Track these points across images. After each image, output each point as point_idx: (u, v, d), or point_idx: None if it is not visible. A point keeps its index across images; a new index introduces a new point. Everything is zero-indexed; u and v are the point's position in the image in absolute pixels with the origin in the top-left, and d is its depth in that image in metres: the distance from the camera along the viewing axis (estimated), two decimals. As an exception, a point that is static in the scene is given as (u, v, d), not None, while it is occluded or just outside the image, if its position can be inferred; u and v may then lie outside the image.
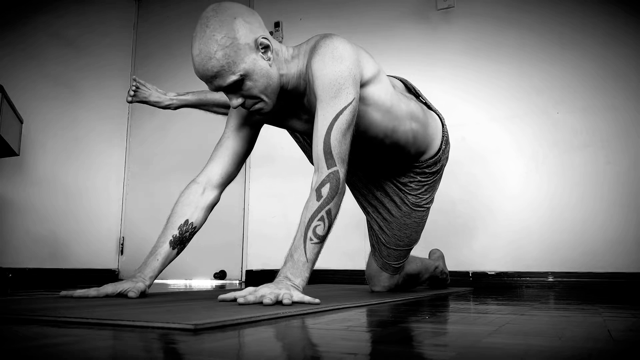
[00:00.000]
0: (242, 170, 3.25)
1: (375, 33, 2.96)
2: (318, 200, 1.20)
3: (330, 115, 1.22)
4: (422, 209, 1.71)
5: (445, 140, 1.66)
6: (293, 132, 1.62)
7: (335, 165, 1.22)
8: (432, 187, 1.71)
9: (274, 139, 2.62)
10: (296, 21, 3.17)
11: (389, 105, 1.43)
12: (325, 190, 1.20)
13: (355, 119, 1.28)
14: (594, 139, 2.45)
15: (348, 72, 1.25)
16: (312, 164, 1.36)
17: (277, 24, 3.21)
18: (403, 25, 2.90)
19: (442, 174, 1.72)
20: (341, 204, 1.24)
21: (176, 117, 3.46)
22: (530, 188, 2.53)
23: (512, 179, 2.57)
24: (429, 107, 1.69)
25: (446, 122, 1.72)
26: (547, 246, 2.44)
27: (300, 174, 2.80)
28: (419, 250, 2.04)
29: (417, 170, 1.65)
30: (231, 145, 1.43)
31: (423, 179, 1.67)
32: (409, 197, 1.68)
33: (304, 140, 1.63)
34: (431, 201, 1.73)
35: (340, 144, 1.23)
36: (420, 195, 1.68)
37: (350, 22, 3.03)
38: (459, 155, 2.68)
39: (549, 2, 2.61)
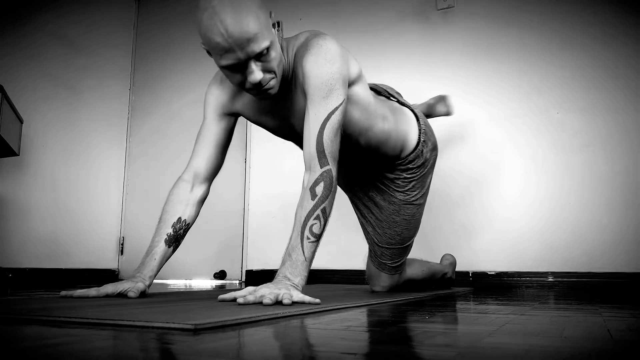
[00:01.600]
0: (242, 170, 3.26)
1: (375, 33, 2.96)
2: (313, 199, 1.21)
3: (322, 115, 1.25)
4: (411, 205, 1.70)
5: (423, 133, 1.66)
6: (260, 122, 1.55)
7: (328, 164, 1.24)
8: (421, 182, 1.70)
9: (274, 139, 2.61)
10: (296, 21, 3.17)
11: (367, 103, 1.46)
12: (319, 189, 1.22)
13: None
14: (594, 139, 2.45)
15: (339, 73, 1.27)
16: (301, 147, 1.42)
17: (277, 24, 3.20)
18: (403, 25, 2.90)
19: (429, 168, 1.71)
20: (334, 202, 1.26)
21: (176, 117, 3.46)
22: (530, 188, 2.53)
23: (512, 179, 2.57)
24: (402, 103, 1.70)
25: (423, 117, 1.73)
26: (547, 246, 2.44)
27: (301, 173, 2.80)
28: (423, 256, 2.04)
29: (401, 167, 1.66)
30: (213, 138, 1.44)
31: (409, 175, 1.67)
32: (397, 194, 1.68)
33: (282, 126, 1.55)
34: (421, 197, 1.72)
35: (332, 143, 1.25)
36: (408, 192, 1.69)
37: (350, 22, 3.03)
38: (459, 155, 2.68)
39: (549, 2, 2.61)
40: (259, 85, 1.23)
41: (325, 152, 1.24)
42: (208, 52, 1.25)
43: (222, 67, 1.21)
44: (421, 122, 1.67)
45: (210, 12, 1.14)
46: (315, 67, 1.26)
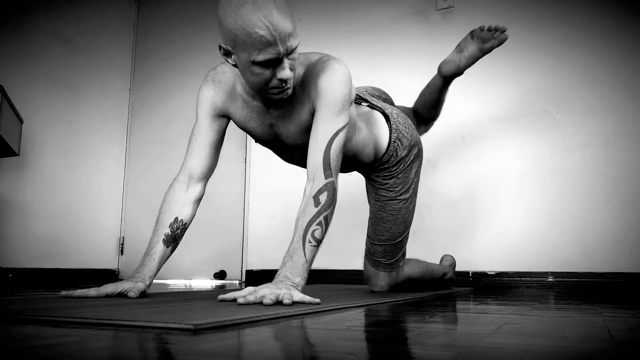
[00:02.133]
0: (242, 170, 3.26)
1: (375, 33, 2.96)
2: (316, 206, 1.26)
3: (332, 131, 1.31)
4: (396, 201, 1.73)
5: (394, 131, 1.69)
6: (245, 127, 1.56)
7: (332, 176, 1.29)
8: (403, 178, 1.73)
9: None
10: (296, 21, 3.17)
11: (352, 120, 1.54)
12: (323, 198, 1.27)
13: None
14: (594, 139, 2.45)
15: (349, 96, 1.35)
16: (285, 158, 1.56)
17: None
18: (403, 25, 2.90)
19: (410, 163, 1.73)
20: (334, 214, 1.30)
21: (176, 117, 3.46)
22: (530, 188, 2.53)
23: (512, 179, 2.57)
24: (373, 106, 1.74)
25: (401, 117, 1.75)
26: (547, 246, 2.44)
27: (301, 174, 2.80)
28: (423, 256, 2.03)
29: (380, 168, 1.72)
30: (206, 138, 1.46)
31: (387, 174, 1.73)
32: (380, 191, 1.74)
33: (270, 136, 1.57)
34: (405, 192, 1.74)
35: (337, 158, 1.32)
36: (390, 189, 1.73)
37: (350, 22, 3.03)
38: (459, 155, 2.68)
39: (549, 2, 2.61)
40: (285, 82, 1.25)
41: (331, 165, 1.30)
42: (227, 53, 1.25)
43: (255, 64, 1.20)
44: (392, 122, 1.70)
45: (251, 6, 1.14)
46: (331, 86, 1.32)
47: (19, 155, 2.36)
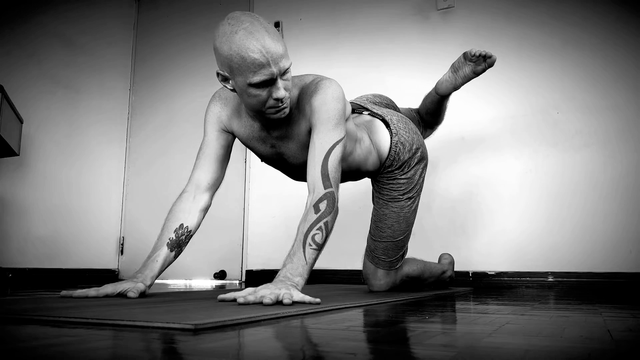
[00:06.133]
0: (242, 170, 3.26)
1: (375, 33, 2.96)
2: (316, 213, 1.29)
3: (328, 144, 1.35)
4: (399, 200, 1.76)
5: (395, 135, 1.72)
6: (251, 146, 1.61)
7: (331, 187, 1.32)
8: (406, 179, 1.75)
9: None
10: (296, 21, 3.17)
11: (351, 133, 1.58)
12: (323, 206, 1.30)
13: None
14: (594, 139, 2.45)
15: (343, 111, 1.40)
16: (288, 174, 1.59)
17: (277, 24, 3.21)
18: (403, 25, 2.90)
19: (414, 165, 1.76)
20: (335, 224, 1.32)
21: (176, 117, 3.46)
22: (530, 188, 2.53)
23: (512, 179, 2.57)
24: (374, 114, 1.78)
25: (400, 121, 1.77)
26: (547, 246, 2.44)
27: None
28: (423, 255, 2.04)
29: (384, 172, 1.76)
30: (213, 152, 1.52)
31: (392, 176, 1.76)
32: (384, 190, 1.78)
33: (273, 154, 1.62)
34: (409, 191, 1.76)
35: (336, 170, 1.35)
36: (394, 189, 1.76)
37: (350, 22, 3.03)
38: (459, 155, 2.68)
39: (550, 1, 2.61)
40: (281, 101, 1.31)
41: (329, 176, 1.33)
42: (224, 79, 1.31)
43: (252, 86, 1.26)
44: (392, 128, 1.73)
45: (244, 33, 1.21)
46: (324, 103, 1.37)
47: (19, 155, 2.37)
